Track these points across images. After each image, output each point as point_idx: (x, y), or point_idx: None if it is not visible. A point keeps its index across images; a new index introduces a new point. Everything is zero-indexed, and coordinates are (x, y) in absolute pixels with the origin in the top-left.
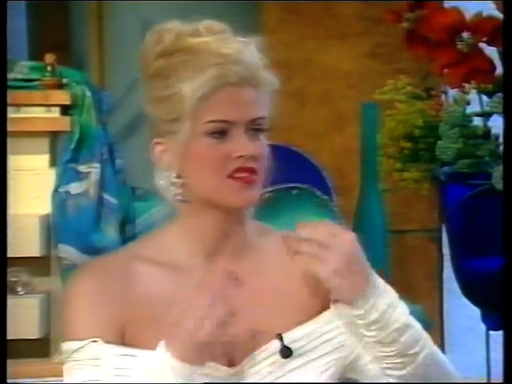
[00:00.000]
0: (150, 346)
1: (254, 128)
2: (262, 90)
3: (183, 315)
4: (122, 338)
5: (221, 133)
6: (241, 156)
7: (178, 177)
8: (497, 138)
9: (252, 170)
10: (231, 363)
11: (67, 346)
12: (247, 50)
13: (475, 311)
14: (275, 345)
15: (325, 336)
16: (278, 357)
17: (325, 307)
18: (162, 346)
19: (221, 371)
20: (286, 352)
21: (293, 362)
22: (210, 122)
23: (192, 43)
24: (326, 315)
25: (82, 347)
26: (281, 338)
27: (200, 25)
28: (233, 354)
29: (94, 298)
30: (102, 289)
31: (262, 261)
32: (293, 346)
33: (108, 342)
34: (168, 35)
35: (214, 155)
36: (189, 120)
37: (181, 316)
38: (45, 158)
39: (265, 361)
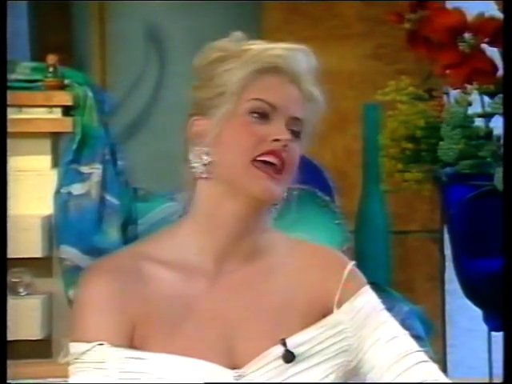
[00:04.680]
0: (159, 346)
1: (292, 130)
2: (309, 99)
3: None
4: (131, 340)
5: (262, 115)
6: (276, 140)
7: (208, 152)
8: (498, 138)
9: (281, 159)
10: (235, 366)
11: (74, 347)
12: (302, 53)
13: (477, 312)
14: (278, 350)
15: (328, 341)
16: (281, 361)
17: (329, 312)
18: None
19: (224, 374)
20: (289, 357)
21: (296, 367)
22: (255, 99)
23: (251, 45)
24: (330, 320)
25: (88, 350)
26: (284, 343)
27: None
28: (237, 356)
29: (103, 301)
30: (111, 291)
31: (269, 264)
32: (296, 351)
33: (115, 344)
34: (229, 42)
35: (249, 133)
36: (235, 95)
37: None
38: (47, 159)
39: (268, 365)
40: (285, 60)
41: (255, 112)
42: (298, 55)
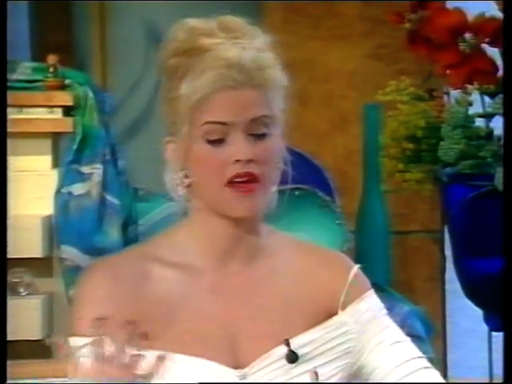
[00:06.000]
0: (160, 347)
1: (257, 131)
2: (265, 90)
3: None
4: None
5: (218, 140)
6: (238, 160)
7: (186, 177)
8: (499, 139)
9: (250, 175)
10: (238, 366)
11: (74, 341)
12: (251, 50)
13: (477, 312)
14: (282, 350)
15: (332, 342)
16: (284, 362)
17: (333, 313)
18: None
19: (227, 373)
20: (293, 357)
21: (299, 368)
22: (207, 123)
23: (202, 43)
24: (334, 321)
25: (88, 343)
26: (288, 344)
27: (216, 21)
28: (240, 356)
29: (103, 299)
30: (112, 290)
31: (273, 265)
32: (300, 352)
33: None
34: (181, 33)
35: (211, 161)
36: (186, 122)
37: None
38: (47, 159)
39: (271, 365)
40: (233, 74)
41: (210, 139)
42: (248, 58)
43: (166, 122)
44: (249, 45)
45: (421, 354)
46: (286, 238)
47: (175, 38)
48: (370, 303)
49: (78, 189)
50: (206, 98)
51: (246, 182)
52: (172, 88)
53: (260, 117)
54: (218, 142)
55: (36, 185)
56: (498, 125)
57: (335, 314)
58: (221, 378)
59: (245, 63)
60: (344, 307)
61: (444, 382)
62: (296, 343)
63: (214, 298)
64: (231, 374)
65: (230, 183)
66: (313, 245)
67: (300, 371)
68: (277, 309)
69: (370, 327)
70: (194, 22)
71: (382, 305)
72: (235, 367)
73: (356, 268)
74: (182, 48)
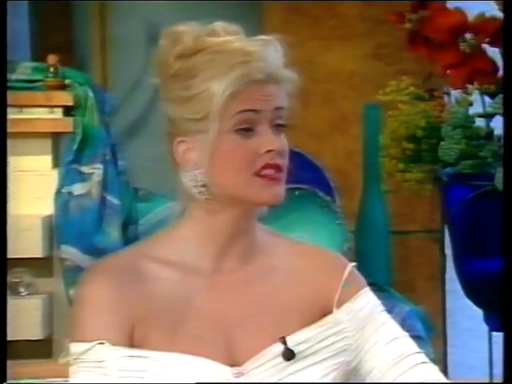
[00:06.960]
0: (158, 345)
1: (279, 121)
2: (283, 87)
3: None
4: (131, 339)
5: (247, 130)
6: (269, 151)
7: (202, 175)
8: (499, 138)
9: (278, 167)
10: (234, 364)
11: (74, 347)
12: (270, 47)
13: (477, 312)
14: (278, 347)
15: (328, 340)
16: (280, 359)
17: (328, 312)
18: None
19: (223, 371)
20: (289, 355)
21: (295, 365)
22: (239, 112)
23: (212, 43)
24: (329, 319)
25: (88, 349)
26: (284, 341)
27: (215, 26)
28: (236, 354)
29: (103, 300)
30: (111, 291)
31: (269, 264)
32: (296, 349)
33: (116, 344)
34: (187, 36)
35: (242, 152)
36: (218, 117)
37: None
38: (47, 159)
39: (268, 363)
40: (261, 66)
41: (239, 128)
42: (270, 52)
43: (174, 121)
44: (264, 41)
45: (418, 350)
46: (281, 238)
47: (177, 42)
48: (366, 301)
49: (78, 189)
50: (238, 91)
51: (274, 172)
52: (187, 87)
53: (282, 107)
54: (247, 133)
55: (36, 185)
56: (498, 125)
57: (331, 312)
58: (217, 376)
59: (268, 56)
60: (339, 305)
61: (443, 377)
62: (292, 341)
63: (211, 297)
64: (227, 372)
65: (259, 173)
66: (308, 244)
67: (296, 368)
68: (273, 307)
69: (367, 325)
70: (191, 25)
71: (378, 302)
72: (232, 365)
73: (351, 266)
74: (191, 50)
